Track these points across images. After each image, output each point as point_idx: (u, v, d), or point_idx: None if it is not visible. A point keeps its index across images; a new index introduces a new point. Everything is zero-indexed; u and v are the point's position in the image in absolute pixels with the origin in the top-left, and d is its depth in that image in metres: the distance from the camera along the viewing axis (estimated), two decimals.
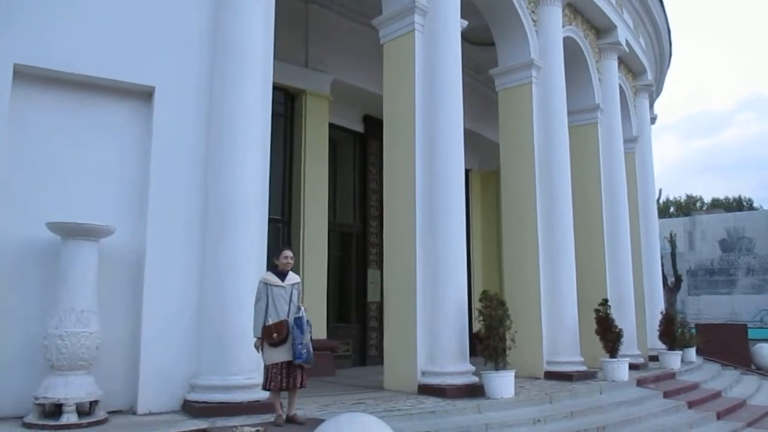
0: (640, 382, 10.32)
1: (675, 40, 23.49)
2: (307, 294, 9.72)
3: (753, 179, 76.55)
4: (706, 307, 31.60)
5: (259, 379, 6.44)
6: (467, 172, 15.83)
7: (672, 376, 11.71)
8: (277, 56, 7.56)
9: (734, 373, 14.25)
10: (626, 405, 8.71)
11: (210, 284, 6.58)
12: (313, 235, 11.66)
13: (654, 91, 18.11)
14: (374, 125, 12.79)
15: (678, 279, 27.68)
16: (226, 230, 6.61)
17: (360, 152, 14.20)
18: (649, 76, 16.86)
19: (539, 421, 7.15)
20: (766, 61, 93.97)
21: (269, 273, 5.96)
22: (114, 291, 6.31)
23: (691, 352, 13.94)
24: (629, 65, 15.94)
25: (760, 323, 28.26)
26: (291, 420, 5.76)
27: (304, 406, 6.43)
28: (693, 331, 15.07)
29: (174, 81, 6.81)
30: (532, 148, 10.86)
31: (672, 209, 52.18)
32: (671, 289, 26.23)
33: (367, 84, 12.37)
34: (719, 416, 9.24)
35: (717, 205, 50.25)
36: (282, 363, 5.65)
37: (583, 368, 10.21)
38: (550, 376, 9.93)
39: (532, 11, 11.38)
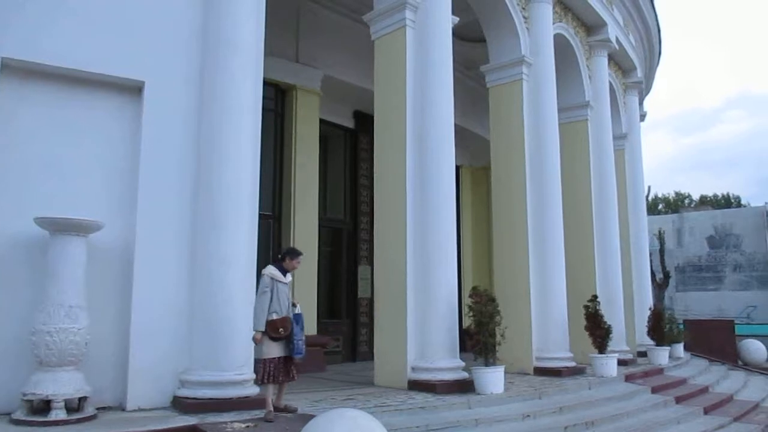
0: (629, 378, 10.40)
1: (664, 38, 23.63)
2: (298, 289, 9.75)
3: (741, 177, 77.27)
4: (694, 304, 31.83)
5: (250, 374, 6.47)
6: (458, 168, 15.90)
7: (660, 371, 11.80)
8: (268, 51, 7.53)
9: (721, 369, 14.37)
10: (615, 400, 8.79)
11: (200, 279, 6.53)
12: (304, 231, 11.64)
13: (644, 88, 18.21)
14: (365, 121, 12.80)
15: (666, 275, 27.93)
16: (216, 225, 6.57)
17: (351, 148, 14.21)
18: (639, 73, 16.94)
19: (528, 416, 7.21)
20: (754, 59, 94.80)
21: (273, 268, 6.09)
22: (103, 286, 6.26)
23: (679, 348, 14.07)
24: (619, 62, 16.01)
25: (747, 319, 28.49)
26: (284, 410, 5.98)
27: (294, 402, 6.42)
28: (681, 327, 15.17)
29: (164, 75, 6.75)
30: (523, 145, 10.89)
31: (661, 206, 52.51)
32: (660, 286, 26.48)
33: (358, 80, 12.36)
34: (707, 411, 9.34)
35: (705, 202, 50.53)
36: (279, 358, 5.92)
37: (573, 364, 10.27)
38: (540, 371, 9.98)
39: (523, 8, 11.40)
